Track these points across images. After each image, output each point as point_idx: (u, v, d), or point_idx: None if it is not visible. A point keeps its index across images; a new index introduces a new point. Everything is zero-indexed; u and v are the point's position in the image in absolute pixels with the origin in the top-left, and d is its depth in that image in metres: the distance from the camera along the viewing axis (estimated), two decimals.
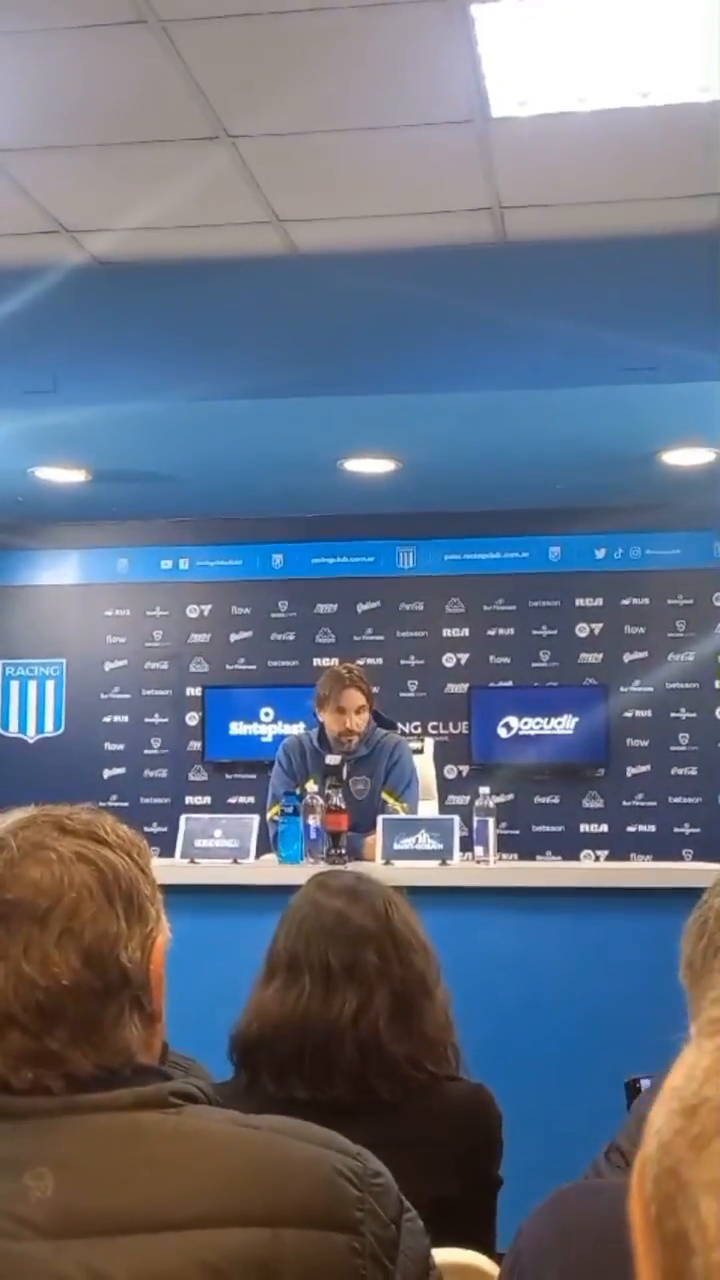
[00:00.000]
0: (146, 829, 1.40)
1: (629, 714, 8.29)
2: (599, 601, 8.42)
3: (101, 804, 1.48)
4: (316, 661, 8.19)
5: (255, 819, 4.87)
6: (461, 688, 8.49)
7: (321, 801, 4.73)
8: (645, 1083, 2.48)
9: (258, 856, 4.80)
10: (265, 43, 3.89)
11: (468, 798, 5.40)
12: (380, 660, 8.39)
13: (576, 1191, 1.34)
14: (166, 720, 8.77)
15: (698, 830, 8.05)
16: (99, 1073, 1.30)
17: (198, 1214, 1.23)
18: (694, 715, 8.24)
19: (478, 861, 4.67)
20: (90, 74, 4.08)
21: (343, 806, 4.73)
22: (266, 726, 8.53)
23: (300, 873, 4.12)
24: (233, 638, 8.77)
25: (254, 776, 8.14)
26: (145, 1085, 1.30)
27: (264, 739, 8.33)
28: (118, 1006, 1.33)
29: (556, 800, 8.31)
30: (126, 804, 8.35)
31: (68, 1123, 1.26)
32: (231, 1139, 1.30)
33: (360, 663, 6.47)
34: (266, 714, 8.57)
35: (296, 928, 2.30)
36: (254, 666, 8.72)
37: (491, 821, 4.71)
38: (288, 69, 4.03)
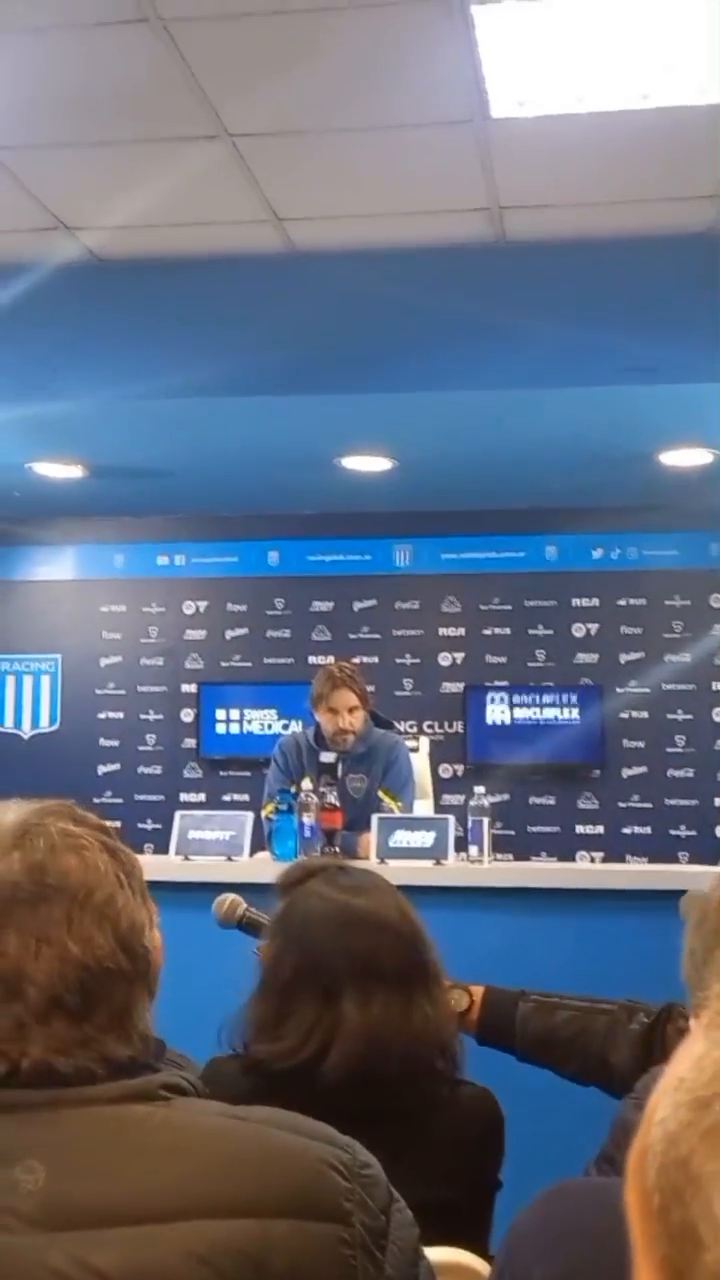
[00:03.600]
0: (141, 826, 1.41)
1: (625, 715, 8.29)
2: (595, 602, 8.42)
3: (96, 800, 1.49)
4: (312, 659, 8.19)
5: (249, 816, 4.88)
6: (457, 687, 8.49)
7: (316, 799, 4.73)
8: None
9: (252, 854, 4.80)
10: (265, 42, 3.88)
11: (463, 797, 5.40)
12: (376, 659, 8.39)
13: (569, 1189, 1.35)
14: (161, 717, 8.77)
15: (693, 833, 8.05)
16: (128, 1060, 1.32)
17: (188, 1205, 1.24)
18: (690, 717, 8.24)
19: (472, 861, 4.67)
20: (91, 71, 4.08)
21: (337, 805, 4.74)
22: (262, 724, 8.53)
23: None
24: (228, 634, 8.76)
25: (249, 774, 8.14)
26: (133, 1078, 1.31)
27: (259, 736, 8.33)
28: (140, 991, 1.36)
29: (552, 801, 8.31)
30: (121, 800, 8.34)
31: (57, 1115, 1.27)
32: (220, 1131, 1.31)
33: (356, 661, 6.47)
34: (262, 711, 8.57)
35: (340, 933, 2.21)
36: (249, 663, 8.72)
37: (486, 821, 4.71)
38: (287, 68, 4.03)
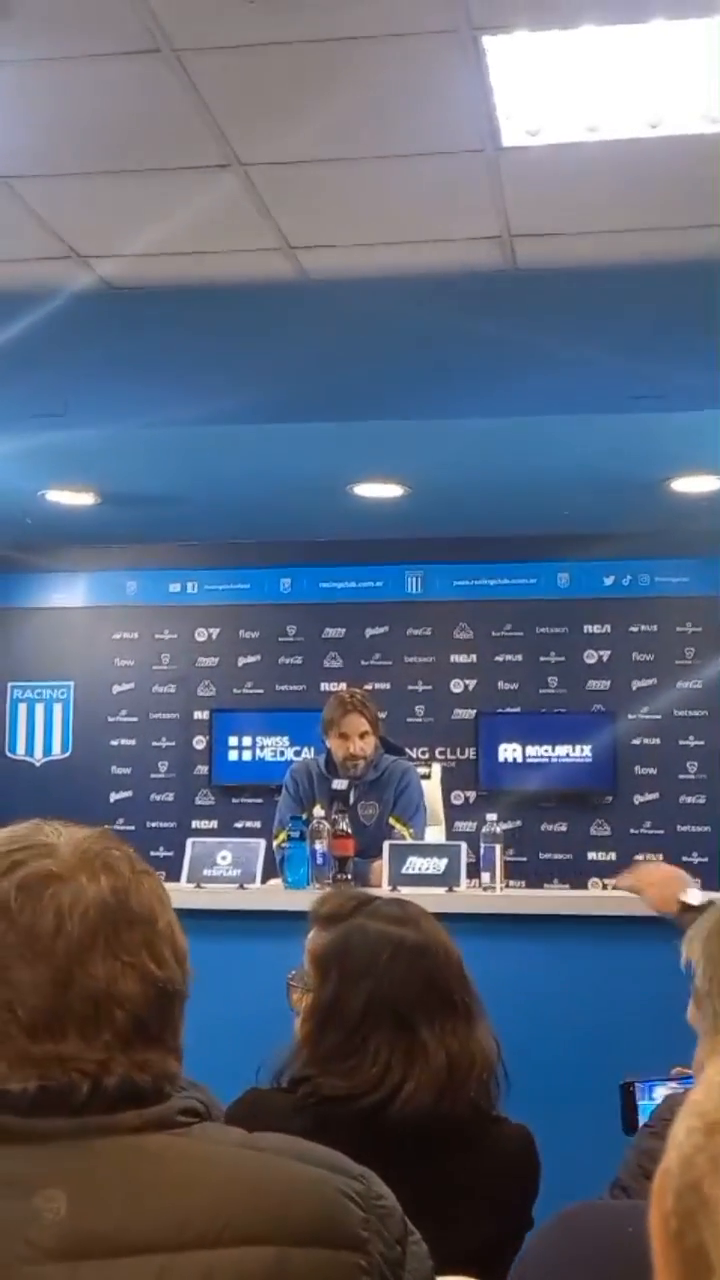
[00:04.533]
0: (153, 853, 1.43)
1: (637, 741, 8.27)
2: (607, 628, 8.42)
3: (108, 828, 1.50)
4: (324, 686, 8.18)
5: (261, 843, 4.87)
6: (469, 713, 8.48)
7: (328, 826, 4.73)
8: (639, 1086, 2.50)
9: (264, 881, 4.79)
10: (277, 71, 3.91)
11: (474, 824, 5.39)
12: (388, 685, 8.39)
13: (581, 1213, 1.34)
14: (174, 744, 8.77)
15: (705, 859, 8.01)
16: (176, 1078, 1.34)
17: (206, 1234, 1.24)
18: (702, 743, 8.22)
19: (484, 888, 4.66)
20: (104, 101, 4.11)
21: (349, 832, 4.74)
22: (274, 750, 8.52)
23: (306, 898, 4.11)
24: (241, 661, 8.77)
25: (261, 801, 8.13)
26: (152, 1105, 1.31)
27: (271, 763, 8.32)
28: (183, 1012, 1.38)
29: (564, 828, 8.29)
30: (133, 828, 8.34)
31: (76, 1145, 1.27)
32: (238, 1160, 1.32)
33: (368, 687, 6.48)
34: (274, 738, 8.57)
35: (413, 965, 2.24)
36: (262, 690, 8.72)
37: (498, 848, 4.70)
38: (299, 97, 4.05)
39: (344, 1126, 1.98)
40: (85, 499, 7.01)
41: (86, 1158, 1.26)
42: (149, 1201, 1.25)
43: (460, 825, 6.89)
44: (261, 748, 8.59)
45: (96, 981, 1.29)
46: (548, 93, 4.03)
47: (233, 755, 8.62)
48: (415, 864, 4.63)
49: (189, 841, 4.96)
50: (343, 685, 7.36)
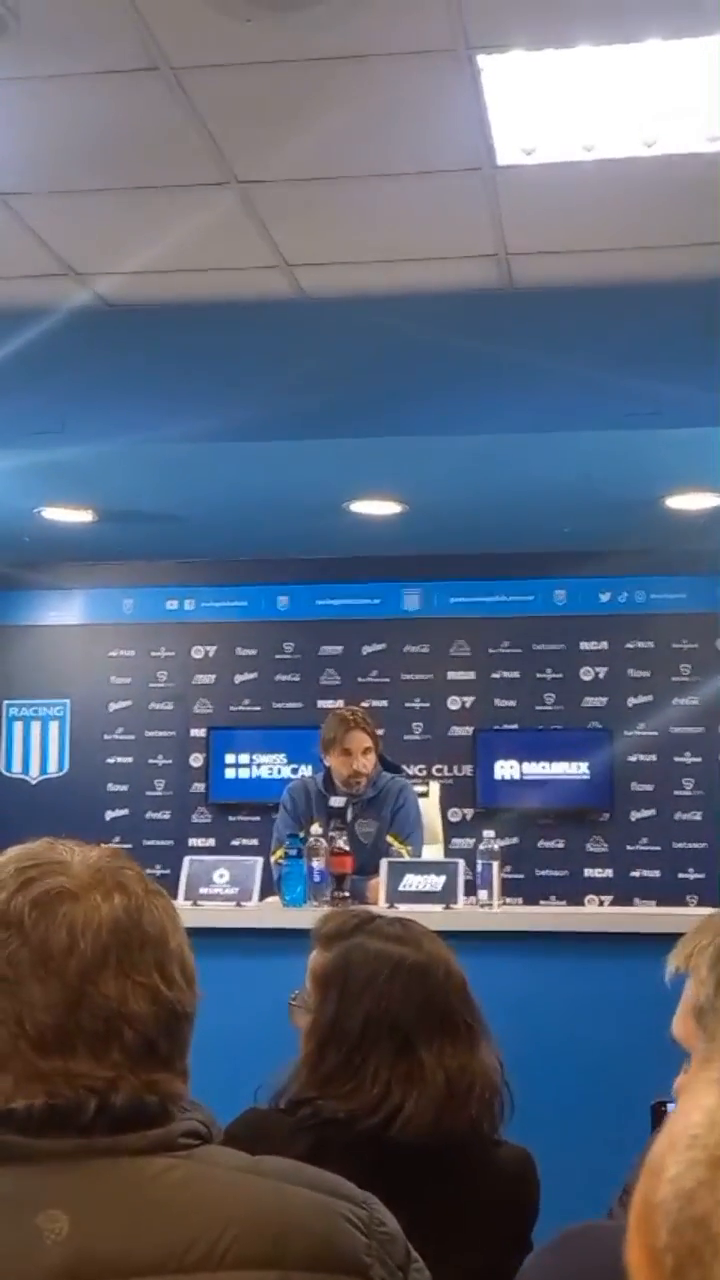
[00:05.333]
0: (149, 871, 1.42)
1: (633, 758, 8.26)
2: (604, 645, 8.41)
3: (118, 847, 1.50)
4: (321, 703, 8.17)
5: (258, 861, 4.86)
6: (466, 730, 8.47)
7: (326, 844, 4.72)
8: (671, 1106, 2.47)
9: (261, 899, 4.78)
10: (275, 90, 3.92)
11: (472, 841, 5.38)
12: (385, 702, 8.37)
13: (583, 1232, 1.34)
14: (170, 761, 8.75)
15: (702, 876, 8.01)
16: (181, 1102, 1.34)
17: (209, 1258, 1.24)
18: (698, 760, 8.22)
19: (481, 905, 4.65)
20: (102, 119, 4.12)
21: (347, 849, 4.73)
22: (271, 768, 8.51)
23: (304, 916, 4.10)
24: (237, 679, 8.75)
25: (258, 818, 8.11)
26: (154, 1128, 1.31)
27: (268, 780, 8.30)
28: (191, 1033, 1.38)
29: (561, 844, 8.27)
30: (129, 846, 8.30)
31: (79, 1166, 1.27)
32: (241, 1185, 1.32)
33: (365, 705, 6.47)
34: (271, 755, 8.55)
35: (414, 985, 2.23)
36: (259, 708, 8.70)
37: (496, 865, 4.69)
38: (297, 116, 4.07)
39: (344, 1149, 1.97)
40: (82, 516, 7.02)
41: (89, 1179, 1.26)
42: (152, 1224, 1.25)
43: (458, 842, 6.88)
44: (258, 765, 8.57)
45: (108, 1000, 1.29)
46: (544, 112, 4.05)
47: (230, 773, 8.61)
48: (412, 881, 4.62)
49: (186, 859, 4.95)
50: (340, 703, 7.36)
